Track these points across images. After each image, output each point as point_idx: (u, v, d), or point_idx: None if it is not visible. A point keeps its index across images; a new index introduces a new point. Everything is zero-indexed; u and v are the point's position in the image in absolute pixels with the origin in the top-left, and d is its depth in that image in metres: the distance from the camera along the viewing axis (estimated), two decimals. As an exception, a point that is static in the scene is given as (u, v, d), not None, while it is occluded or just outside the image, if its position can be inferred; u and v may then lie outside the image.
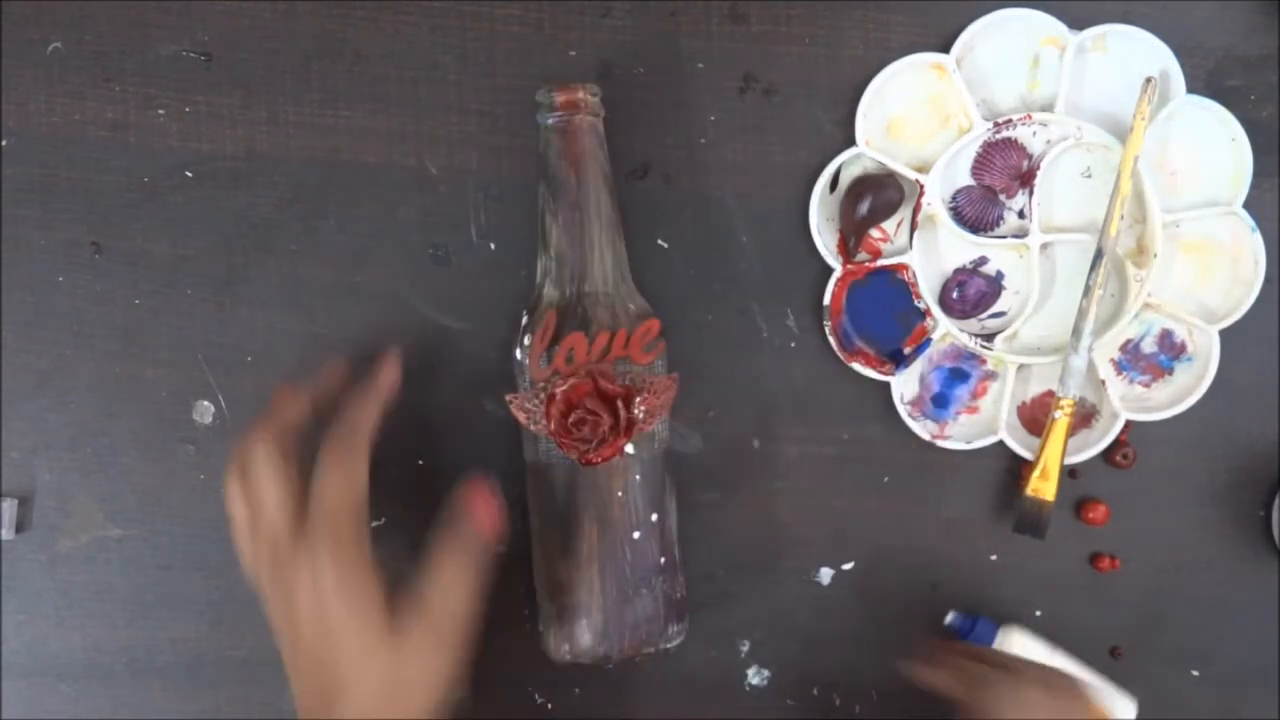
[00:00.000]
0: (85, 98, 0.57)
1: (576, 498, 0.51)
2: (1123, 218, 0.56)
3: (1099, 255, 0.56)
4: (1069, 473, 0.59)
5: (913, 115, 0.58)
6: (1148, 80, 0.56)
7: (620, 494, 0.51)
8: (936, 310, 0.58)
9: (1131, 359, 0.59)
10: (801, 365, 0.59)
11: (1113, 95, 0.58)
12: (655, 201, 0.58)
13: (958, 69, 0.57)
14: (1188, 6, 0.58)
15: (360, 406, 0.51)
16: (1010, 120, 0.57)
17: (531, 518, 0.54)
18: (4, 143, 0.57)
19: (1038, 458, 0.57)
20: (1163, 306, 0.58)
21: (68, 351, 0.57)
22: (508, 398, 0.51)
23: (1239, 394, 0.59)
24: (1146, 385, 0.59)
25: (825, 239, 0.58)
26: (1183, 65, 0.57)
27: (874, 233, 0.58)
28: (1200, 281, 0.59)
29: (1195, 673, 0.60)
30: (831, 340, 0.58)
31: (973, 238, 0.58)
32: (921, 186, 0.57)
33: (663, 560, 0.53)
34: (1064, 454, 0.57)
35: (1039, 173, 0.57)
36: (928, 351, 0.58)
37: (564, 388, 0.49)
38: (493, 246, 0.57)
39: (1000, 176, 0.58)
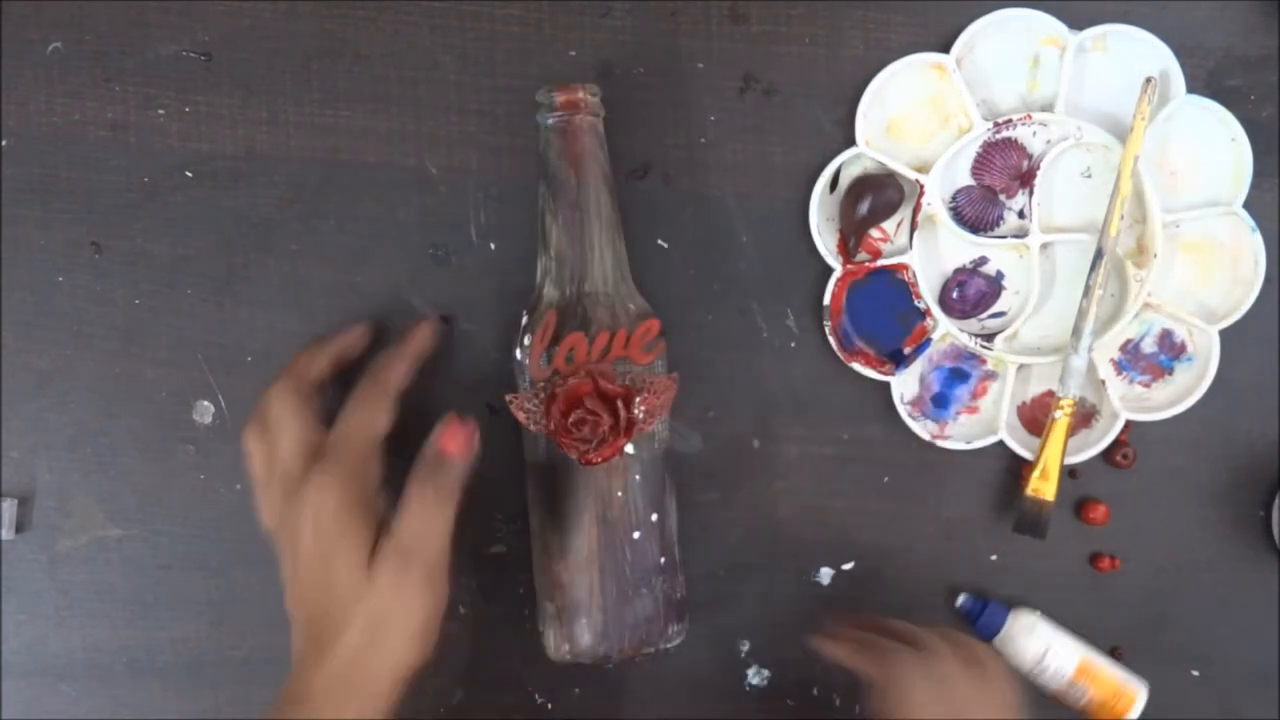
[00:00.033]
0: (85, 98, 0.57)
1: (576, 498, 0.51)
2: (1123, 218, 0.56)
3: (1099, 255, 0.56)
4: (1069, 473, 0.59)
5: (913, 115, 0.58)
6: (1148, 80, 0.56)
7: (620, 494, 0.51)
8: (936, 310, 0.58)
9: (1131, 359, 0.59)
10: (801, 365, 0.59)
11: (1113, 95, 0.58)
12: (655, 201, 0.58)
13: (958, 69, 0.57)
14: (1188, 6, 0.58)
15: (391, 363, 0.53)
16: (1010, 120, 0.57)
17: (531, 518, 0.54)
18: (4, 143, 0.57)
19: (1038, 458, 0.57)
20: (1163, 306, 0.58)
21: (68, 351, 0.57)
22: (508, 398, 0.51)
23: (1239, 394, 0.59)
24: (1146, 385, 0.59)
25: (825, 239, 0.58)
26: (1183, 65, 0.57)
27: (874, 233, 0.58)
28: (1200, 281, 0.59)
29: (1195, 673, 0.60)
30: (831, 340, 0.58)
31: (973, 238, 0.58)
32: (921, 186, 0.57)
33: (663, 560, 0.53)
34: (1064, 454, 0.57)
35: (1039, 173, 0.57)
36: (928, 351, 0.58)
37: (564, 388, 0.49)
38: (493, 246, 0.57)
39: (1000, 176, 0.58)
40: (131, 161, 0.57)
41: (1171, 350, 0.59)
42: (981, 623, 0.58)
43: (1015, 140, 0.58)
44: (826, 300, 0.58)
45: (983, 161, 0.58)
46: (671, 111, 0.58)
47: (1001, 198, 0.58)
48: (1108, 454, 0.59)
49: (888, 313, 0.58)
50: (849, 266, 0.58)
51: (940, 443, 0.58)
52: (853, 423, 0.59)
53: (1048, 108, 0.57)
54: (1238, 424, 0.59)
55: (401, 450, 0.51)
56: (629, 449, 0.51)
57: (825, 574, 0.59)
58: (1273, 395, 0.59)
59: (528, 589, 0.57)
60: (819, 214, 0.57)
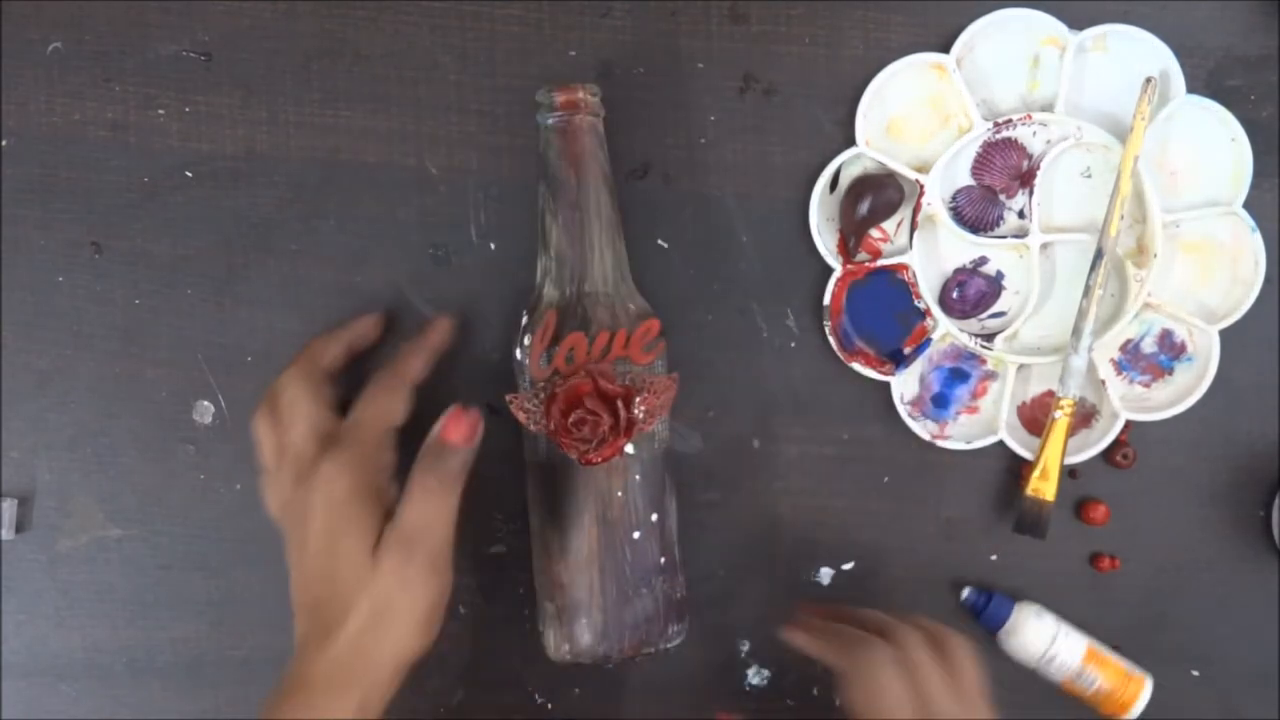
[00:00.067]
0: (85, 98, 0.57)
1: (576, 498, 0.51)
2: (1123, 218, 0.56)
3: (1099, 255, 0.56)
4: (1069, 473, 0.59)
5: (913, 115, 0.58)
6: (1148, 80, 0.56)
7: (620, 494, 0.51)
8: (936, 310, 0.58)
9: (1131, 359, 0.59)
10: (801, 365, 0.59)
11: (1113, 95, 0.57)
12: (655, 201, 0.58)
13: (958, 69, 0.57)
14: (1188, 6, 0.58)
15: (410, 355, 0.54)
16: (1010, 120, 0.57)
17: (531, 518, 0.54)
18: (4, 143, 0.57)
19: (1038, 458, 0.57)
20: (1163, 306, 0.58)
21: (68, 351, 0.57)
22: (508, 398, 0.51)
23: (1239, 394, 0.59)
24: (1146, 385, 0.59)
25: (825, 239, 0.58)
26: (1183, 65, 0.57)
27: (874, 233, 0.58)
28: (1200, 281, 0.59)
29: (1195, 673, 0.60)
30: (831, 340, 0.58)
31: (973, 238, 0.58)
32: (921, 186, 0.57)
33: (663, 560, 0.53)
34: (1064, 454, 0.57)
35: (1039, 173, 0.57)
36: (928, 351, 0.58)
37: (564, 388, 0.49)
38: (493, 246, 0.57)
39: (1000, 176, 0.58)
40: (131, 161, 0.57)
41: (1171, 350, 0.59)
42: (987, 615, 0.58)
43: (1015, 140, 0.58)
44: (826, 300, 0.58)
45: (983, 161, 0.58)
46: (671, 111, 0.58)
47: (1001, 198, 0.58)
48: (1108, 454, 0.59)
49: (888, 313, 0.58)
50: (849, 266, 0.58)
51: (940, 443, 0.58)
52: (853, 423, 0.59)
53: (1048, 108, 0.57)
54: (1238, 424, 0.59)
55: (405, 445, 0.51)
56: (629, 449, 0.51)
57: (825, 574, 0.59)
58: (1273, 395, 0.59)
59: (528, 589, 0.57)
60: (819, 214, 0.57)
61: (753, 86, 0.58)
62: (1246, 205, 0.57)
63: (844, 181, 0.58)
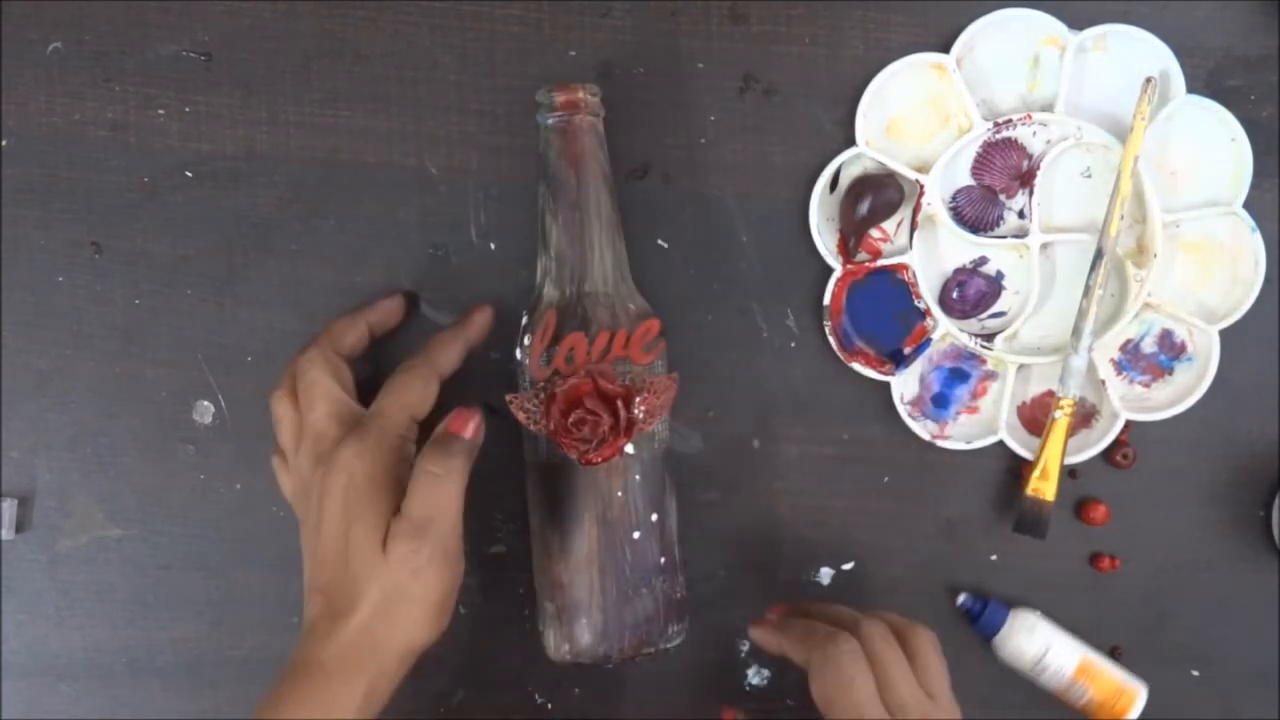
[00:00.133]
0: (85, 98, 0.57)
1: (576, 498, 0.51)
2: (1123, 218, 0.56)
3: (1099, 255, 0.56)
4: (1069, 473, 0.59)
5: (913, 115, 0.58)
6: (1148, 80, 0.56)
7: (620, 494, 0.51)
8: (936, 310, 0.58)
9: (1131, 359, 0.59)
10: (801, 365, 0.59)
11: (1113, 95, 0.57)
12: (655, 201, 0.58)
13: (958, 69, 0.57)
14: (1188, 6, 0.58)
15: (446, 344, 0.53)
16: (1010, 120, 0.57)
17: (531, 518, 0.54)
18: (4, 143, 0.57)
19: (1038, 458, 0.57)
20: (1163, 306, 0.58)
21: (68, 351, 0.57)
22: (508, 398, 0.51)
23: (1239, 394, 0.59)
24: (1146, 385, 0.59)
25: (825, 239, 0.58)
26: (1183, 65, 0.57)
27: (874, 233, 0.58)
28: (1200, 281, 0.59)
29: (1195, 673, 0.60)
30: (831, 340, 0.58)
31: (973, 238, 0.58)
32: (921, 186, 0.57)
33: (663, 560, 0.53)
34: (1064, 454, 0.57)
35: (1039, 173, 0.57)
36: (928, 351, 0.58)
37: (564, 388, 0.49)
38: (493, 246, 0.57)
39: (1000, 176, 0.58)
40: (131, 161, 0.57)
41: (1171, 350, 0.59)
42: (982, 622, 0.58)
43: (1015, 140, 0.58)
44: (826, 300, 0.58)
45: (983, 161, 0.58)
46: (671, 111, 0.58)
47: (1001, 198, 0.58)
48: (1108, 454, 0.59)
49: (888, 313, 0.58)
50: (849, 266, 0.58)
51: (940, 443, 0.58)
52: (853, 423, 0.59)
53: (1048, 108, 0.57)
54: (1238, 424, 0.59)
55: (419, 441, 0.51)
56: (629, 449, 0.51)
57: (825, 574, 0.59)
58: (1273, 395, 0.59)
59: (528, 589, 0.57)
60: (819, 214, 0.57)
61: (753, 86, 0.58)
62: (1246, 205, 0.57)
63: (844, 181, 0.58)
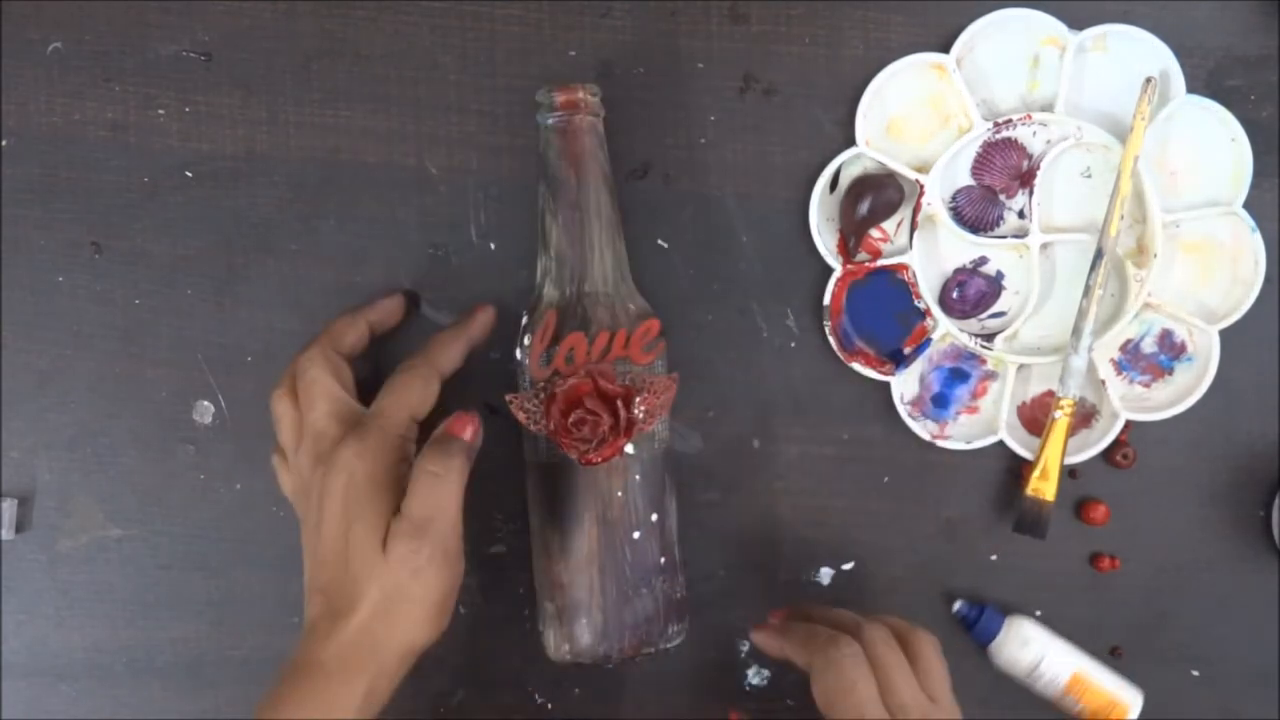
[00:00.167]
0: (85, 98, 0.57)
1: (576, 498, 0.51)
2: (1123, 218, 0.56)
3: (1099, 255, 0.56)
4: (1069, 473, 0.59)
5: (913, 115, 0.58)
6: (1148, 80, 0.56)
7: (620, 494, 0.51)
8: (936, 310, 0.58)
9: (1131, 359, 0.59)
10: (801, 365, 0.59)
11: (1113, 95, 0.58)
12: (655, 201, 0.58)
13: (958, 69, 0.57)
14: (1188, 6, 0.58)
15: (448, 343, 0.53)
16: (1010, 120, 0.57)
17: (531, 518, 0.54)
18: (4, 143, 0.57)
19: (1038, 458, 0.57)
20: (1163, 306, 0.58)
21: (68, 351, 0.57)
22: (508, 398, 0.51)
23: (1239, 394, 0.59)
24: (1146, 385, 0.59)
25: (825, 239, 0.58)
26: (1183, 65, 0.57)
27: (874, 233, 0.58)
28: (1200, 281, 0.59)
29: (1195, 673, 0.60)
30: (831, 340, 0.58)
31: (973, 238, 0.58)
32: (921, 186, 0.57)
33: (663, 560, 0.53)
34: (1064, 454, 0.57)
35: (1039, 173, 0.57)
36: (928, 351, 0.58)
37: (564, 388, 0.49)
38: (493, 246, 0.57)
39: (1000, 176, 0.58)
40: (131, 161, 0.57)
41: (1171, 350, 0.59)
42: (978, 629, 0.58)
43: (1015, 140, 0.58)
44: (826, 300, 0.58)
45: (983, 161, 0.58)
46: (671, 111, 0.58)
47: (1001, 198, 0.58)
48: (1108, 454, 0.59)
49: (888, 313, 0.58)
50: (849, 266, 0.58)
51: (940, 443, 0.58)
52: (853, 423, 0.59)
53: (1048, 108, 0.57)
54: (1238, 424, 0.59)
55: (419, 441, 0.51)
56: (629, 449, 0.51)
57: (825, 574, 0.59)
58: (1273, 395, 0.59)
59: (528, 589, 0.57)
60: (819, 214, 0.57)
61: (753, 86, 0.58)
62: (1246, 205, 0.57)
63: (844, 181, 0.58)
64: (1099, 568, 0.60)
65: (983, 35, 0.57)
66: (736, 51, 0.57)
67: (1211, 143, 0.58)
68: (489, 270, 0.57)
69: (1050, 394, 0.59)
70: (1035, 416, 0.59)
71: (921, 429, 0.58)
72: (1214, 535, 0.60)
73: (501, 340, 0.56)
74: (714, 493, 0.59)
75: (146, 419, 0.58)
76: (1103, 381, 0.58)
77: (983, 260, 0.59)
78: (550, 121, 0.52)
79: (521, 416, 0.51)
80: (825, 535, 0.59)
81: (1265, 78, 0.58)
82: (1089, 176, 0.58)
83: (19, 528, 0.57)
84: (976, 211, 0.58)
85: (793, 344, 0.59)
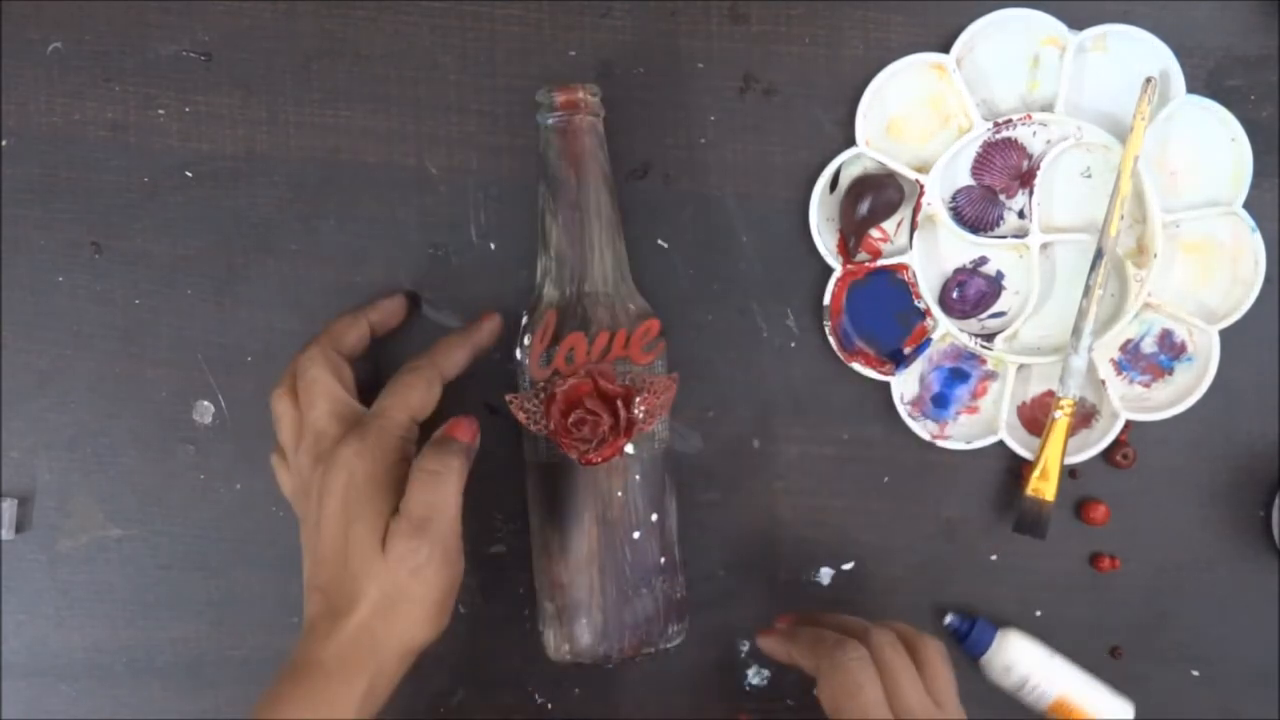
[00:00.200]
0: (85, 98, 0.57)
1: (576, 498, 0.51)
2: (1123, 218, 0.56)
3: (1099, 255, 0.56)
4: (1069, 473, 0.59)
5: (913, 115, 0.58)
6: (1148, 80, 0.56)
7: (620, 494, 0.52)
8: (936, 310, 0.58)
9: (1131, 359, 0.59)
10: (801, 365, 0.59)
11: (1113, 95, 0.58)
12: (655, 201, 0.58)
13: (958, 69, 0.57)
14: (1188, 6, 0.58)
15: (452, 348, 0.53)
16: (1010, 120, 0.57)
17: (531, 518, 0.54)
18: (4, 143, 0.57)
19: (1038, 458, 0.57)
20: (1163, 306, 0.58)
21: (68, 351, 0.57)
22: (508, 398, 0.51)
23: (1239, 394, 0.59)
24: (1146, 385, 0.59)
25: (825, 239, 0.58)
26: (1183, 65, 0.57)
27: (874, 233, 0.58)
28: (1200, 281, 0.59)
29: (1195, 673, 0.60)
30: (831, 340, 0.58)
31: (973, 238, 0.58)
32: (921, 186, 0.57)
33: (663, 560, 0.53)
34: (1064, 454, 0.57)
35: (1039, 173, 0.57)
36: (928, 351, 0.58)
37: (564, 388, 0.49)
38: (493, 246, 0.57)
39: (1000, 176, 0.58)
40: (131, 161, 0.57)
41: (1171, 350, 0.59)
42: (970, 641, 0.58)
43: (1015, 140, 0.58)
44: (826, 300, 0.58)
45: (983, 161, 0.58)
46: (671, 111, 0.58)
47: (1001, 198, 0.58)
48: (1108, 454, 0.59)
49: (888, 313, 0.58)
50: (849, 266, 0.58)
51: (940, 443, 0.58)
52: (853, 423, 0.59)
53: (1048, 108, 0.57)
54: (1238, 424, 0.59)
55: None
56: (629, 449, 0.51)
57: (825, 574, 0.59)
58: (1273, 395, 0.59)
59: (528, 589, 0.57)
60: (819, 214, 0.57)
61: (753, 86, 0.58)
62: (1246, 205, 0.57)
63: (844, 181, 0.58)
64: (1099, 568, 0.60)
65: (983, 35, 0.57)
66: (736, 51, 0.57)
67: (1211, 143, 0.58)
68: (489, 270, 0.57)
69: (1050, 394, 0.59)
70: (1035, 416, 0.59)
71: (921, 429, 0.58)
72: (1214, 535, 0.60)
73: (502, 340, 0.56)
74: (714, 493, 0.59)
75: (146, 419, 0.58)
76: (1103, 381, 0.58)
77: (983, 260, 0.59)
78: (550, 121, 0.52)
79: (521, 416, 0.51)
80: (825, 535, 0.59)
81: (1265, 78, 0.58)
82: (1089, 176, 0.58)
83: (19, 528, 0.57)
84: (976, 211, 0.58)
85: (793, 344, 0.59)
